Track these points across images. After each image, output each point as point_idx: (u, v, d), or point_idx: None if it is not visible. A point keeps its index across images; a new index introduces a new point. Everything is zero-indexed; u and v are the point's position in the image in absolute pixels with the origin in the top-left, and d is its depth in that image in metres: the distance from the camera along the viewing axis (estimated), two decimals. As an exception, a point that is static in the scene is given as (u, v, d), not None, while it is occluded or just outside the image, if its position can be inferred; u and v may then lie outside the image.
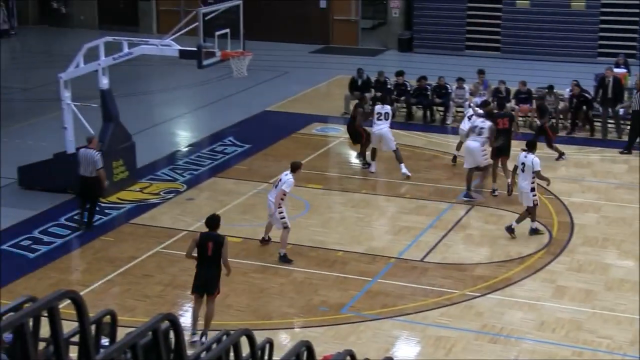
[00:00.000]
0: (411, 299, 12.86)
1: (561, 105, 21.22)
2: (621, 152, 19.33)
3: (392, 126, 19.24)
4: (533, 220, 14.89)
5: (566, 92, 21.46)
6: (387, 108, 18.13)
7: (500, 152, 16.88)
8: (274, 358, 8.12)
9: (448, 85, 22.19)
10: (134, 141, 17.69)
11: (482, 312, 12.45)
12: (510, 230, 14.86)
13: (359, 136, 18.47)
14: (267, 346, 7.98)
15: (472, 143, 16.67)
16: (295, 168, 14.09)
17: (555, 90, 21.33)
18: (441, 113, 22.41)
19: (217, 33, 16.64)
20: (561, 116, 21.28)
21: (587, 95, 20.91)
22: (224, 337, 6.67)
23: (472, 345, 11.54)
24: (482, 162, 16.65)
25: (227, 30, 16.93)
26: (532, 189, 14.61)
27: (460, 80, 22.15)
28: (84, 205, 15.51)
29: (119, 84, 20.95)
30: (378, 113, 17.97)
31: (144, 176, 18.06)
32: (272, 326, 12.02)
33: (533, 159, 14.56)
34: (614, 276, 13.52)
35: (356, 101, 22.96)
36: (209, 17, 16.47)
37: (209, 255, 11.27)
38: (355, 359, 7.65)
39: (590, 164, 18.91)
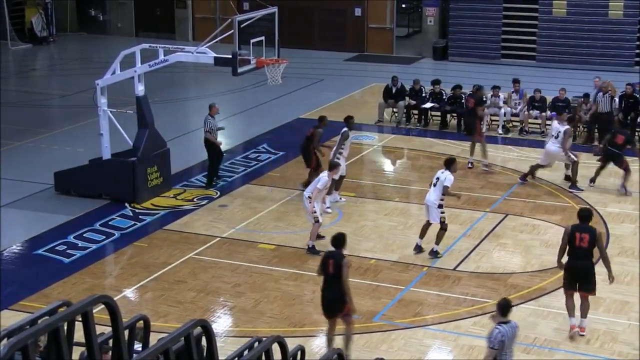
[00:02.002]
0: (444, 308, 12.80)
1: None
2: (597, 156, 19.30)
3: (426, 134, 19.27)
4: (437, 242, 14.35)
5: (597, 95, 21.19)
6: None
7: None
8: (305, 365, 8.13)
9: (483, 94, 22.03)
10: (169, 147, 17.81)
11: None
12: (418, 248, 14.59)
13: (310, 160, 17.11)
14: (299, 353, 7.99)
15: (552, 147, 17.51)
16: (332, 167, 14.87)
17: (591, 100, 21.16)
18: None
19: (252, 40, 16.71)
20: (596, 125, 21.05)
21: (637, 96, 20.81)
22: (256, 344, 6.68)
23: (505, 356, 11.44)
24: (566, 160, 17.58)
25: (262, 37, 16.99)
26: (440, 206, 14.12)
27: (495, 89, 22.04)
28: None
29: (155, 90, 21.13)
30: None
31: (178, 182, 18.18)
32: (304, 333, 12.02)
33: (447, 176, 14.07)
34: (649, 287, 13.36)
35: (391, 109, 23.04)
36: (244, 24, 16.54)
37: (330, 274, 10.85)
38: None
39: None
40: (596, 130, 20.61)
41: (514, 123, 22.16)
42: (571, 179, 17.69)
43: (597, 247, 11.34)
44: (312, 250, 14.48)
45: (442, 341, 11.91)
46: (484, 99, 20.61)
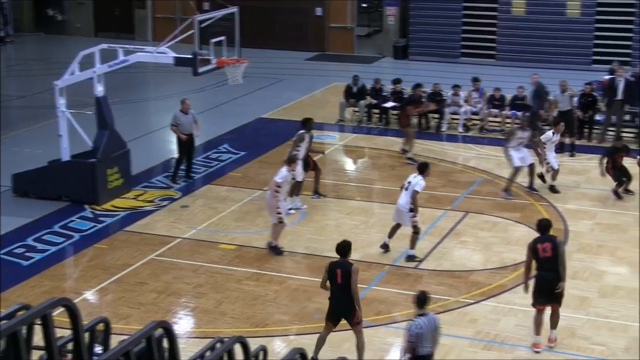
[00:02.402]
0: (405, 306, 12.84)
1: (555, 112, 21.27)
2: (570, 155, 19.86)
3: (387, 133, 19.42)
4: (412, 247, 14.23)
5: (557, 94, 21.48)
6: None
7: None
8: (267, 365, 8.13)
9: (443, 92, 22.26)
10: (129, 148, 17.70)
11: (476, 318, 12.46)
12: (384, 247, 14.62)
13: (307, 164, 16.82)
14: (261, 353, 7.99)
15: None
16: (290, 161, 14.73)
17: (550, 97, 21.40)
18: (436, 120, 22.46)
19: (213, 40, 16.68)
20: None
21: (595, 94, 21.08)
22: (218, 345, 6.67)
23: (466, 352, 11.55)
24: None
25: (223, 37, 16.96)
26: (411, 210, 13.99)
27: (456, 87, 22.23)
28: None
29: (115, 91, 20.96)
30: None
31: (139, 183, 18.07)
32: (266, 333, 12.02)
33: (419, 181, 13.94)
34: (608, 283, 13.55)
35: (352, 108, 23.12)
36: (204, 24, 16.50)
37: (339, 283, 10.74)
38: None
39: (586, 171, 18.93)
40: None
41: (474, 121, 22.35)
42: (542, 179, 17.71)
43: (558, 256, 11.11)
44: (274, 249, 14.37)
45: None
46: (422, 99, 21.04)
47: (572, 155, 19.75)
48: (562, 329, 11.90)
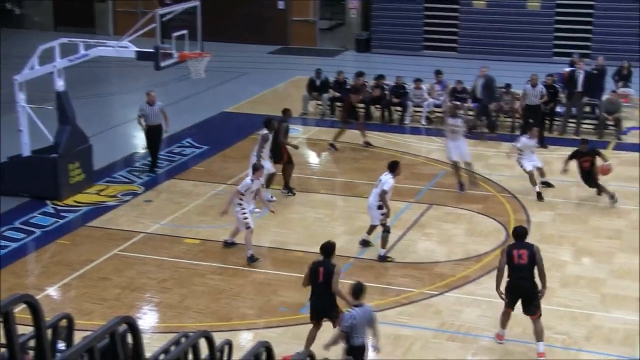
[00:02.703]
0: (370, 299, 12.80)
1: (517, 104, 21.47)
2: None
3: (351, 126, 19.52)
4: (383, 246, 14.10)
5: (527, 87, 21.64)
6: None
7: None
8: (233, 359, 8.12)
9: (406, 85, 22.35)
10: (91, 143, 17.55)
11: (440, 310, 12.55)
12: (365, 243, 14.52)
13: (280, 155, 16.79)
14: (226, 347, 7.97)
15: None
16: (255, 170, 14.30)
17: (512, 90, 21.59)
18: (399, 113, 22.55)
19: (175, 34, 16.59)
20: (517, 115, 21.52)
21: (557, 86, 21.25)
22: (183, 339, 6.65)
23: (431, 344, 11.63)
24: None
25: (185, 31, 16.87)
26: (380, 207, 13.88)
27: (418, 81, 22.34)
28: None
29: (75, 86, 20.76)
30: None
31: (101, 178, 17.94)
32: (231, 327, 12.00)
33: (388, 180, 13.84)
34: (569, 273, 13.71)
35: (315, 101, 23.13)
36: (166, 18, 16.41)
37: (320, 282, 10.74)
38: None
39: (547, 163, 19.08)
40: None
41: (437, 114, 22.47)
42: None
43: (535, 261, 10.93)
44: (251, 259, 13.90)
45: (369, 331, 12.01)
46: (361, 88, 21.15)
47: (544, 147, 19.79)
48: (525, 319, 12.00)
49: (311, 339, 10.98)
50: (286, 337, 11.72)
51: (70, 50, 16.94)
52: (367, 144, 20.00)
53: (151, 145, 18.55)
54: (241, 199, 13.91)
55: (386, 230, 14.04)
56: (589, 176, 16.57)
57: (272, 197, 16.64)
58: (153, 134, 18.47)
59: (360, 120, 20.53)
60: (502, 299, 11.23)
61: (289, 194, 16.95)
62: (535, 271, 11.01)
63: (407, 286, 13.28)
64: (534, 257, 10.96)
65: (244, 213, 13.90)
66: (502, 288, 11.22)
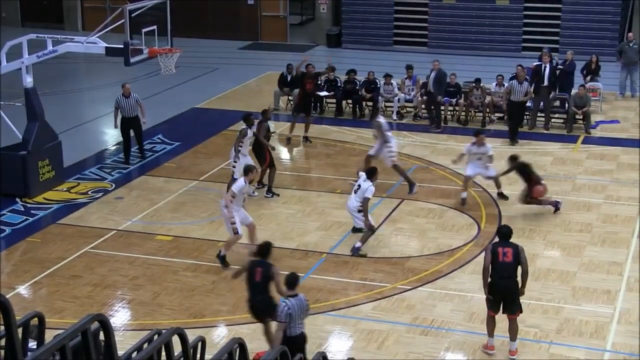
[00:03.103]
0: (343, 294, 12.94)
1: (487, 99, 21.59)
2: (511, 145, 19.75)
3: (322, 122, 19.45)
4: (362, 242, 14.07)
5: (492, 86, 21.84)
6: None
7: None
8: (206, 356, 8.10)
9: (377, 80, 22.37)
10: (60, 140, 17.41)
11: (413, 304, 12.59)
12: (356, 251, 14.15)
13: (263, 157, 16.69)
14: (200, 344, 7.95)
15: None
16: (247, 171, 13.98)
17: (482, 85, 21.70)
18: (370, 108, 22.56)
19: (144, 30, 16.48)
20: (488, 110, 21.64)
21: (527, 78, 21.35)
22: (156, 337, 6.62)
23: (404, 338, 11.67)
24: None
25: (155, 27, 16.77)
26: (360, 211, 13.95)
27: (388, 76, 22.38)
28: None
29: (44, 82, 20.59)
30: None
31: (72, 175, 17.81)
32: (204, 324, 11.98)
33: (369, 187, 13.83)
34: (540, 266, 13.80)
35: (286, 97, 23.10)
36: (135, 13, 16.28)
37: (257, 282, 10.77)
38: (287, 356, 7.67)
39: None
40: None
41: (408, 109, 22.53)
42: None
43: (520, 261, 10.89)
44: (222, 259, 13.72)
45: (343, 326, 12.04)
46: (316, 78, 21.19)
47: (515, 143, 19.86)
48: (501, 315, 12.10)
49: (269, 334, 10.90)
50: (259, 333, 11.66)
51: (39, 46, 16.77)
52: (306, 139, 20.12)
53: (128, 138, 18.66)
54: (231, 201, 13.51)
55: (371, 230, 14.08)
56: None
57: (254, 192, 16.63)
58: (131, 126, 18.56)
59: (309, 114, 20.48)
60: (488, 300, 11.03)
61: (272, 196, 16.75)
62: (518, 271, 10.96)
63: (380, 281, 13.31)
64: (519, 256, 10.92)
65: (233, 218, 13.52)
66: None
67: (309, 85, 20.29)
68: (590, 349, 11.44)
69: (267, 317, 10.91)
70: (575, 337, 11.71)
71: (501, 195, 16.56)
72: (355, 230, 14.63)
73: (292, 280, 10.02)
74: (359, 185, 14.02)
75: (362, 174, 14.34)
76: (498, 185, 16.52)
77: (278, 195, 16.77)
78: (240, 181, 13.78)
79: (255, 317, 11.08)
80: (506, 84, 21.02)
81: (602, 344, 11.56)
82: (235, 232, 13.60)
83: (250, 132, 16.41)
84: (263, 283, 10.75)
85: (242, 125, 16.55)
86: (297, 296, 9.90)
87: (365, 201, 13.86)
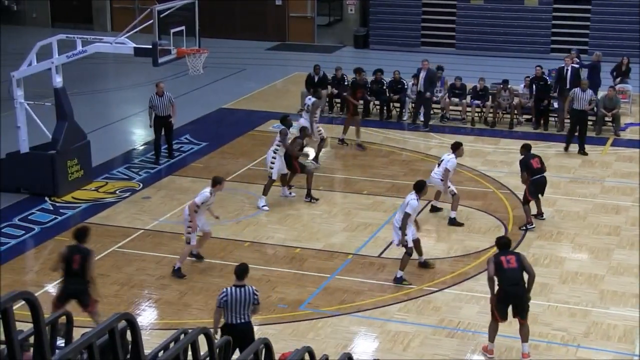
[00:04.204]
0: (369, 295, 12.92)
1: (515, 100, 21.48)
2: (565, 149, 19.43)
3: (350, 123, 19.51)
4: (401, 268, 13.21)
5: (520, 87, 21.72)
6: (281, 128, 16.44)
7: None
8: (231, 356, 8.12)
9: (404, 81, 22.29)
10: (89, 140, 17.53)
11: (439, 306, 12.55)
12: (399, 281, 13.28)
13: (291, 165, 16.49)
14: (225, 344, 7.97)
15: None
16: (215, 183, 13.63)
17: (510, 86, 21.59)
18: (397, 109, 22.53)
19: (173, 30, 16.55)
20: (515, 111, 21.53)
21: (547, 78, 21.22)
22: (182, 336, 6.64)
23: (430, 340, 11.63)
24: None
25: (183, 27, 16.84)
26: (401, 227, 13.08)
27: (416, 76, 22.28)
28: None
29: (73, 82, 20.75)
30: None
31: (100, 175, 17.92)
32: (230, 324, 11.98)
33: (410, 200, 13.04)
34: (568, 269, 13.71)
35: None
36: (164, 14, 16.35)
37: (76, 269, 10.94)
38: (313, 356, 7.68)
39: (545, 158, 19.08)
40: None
41: (435, 110, 22.46)
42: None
43: (524, 267, 10.84)
44: (177, 272, 13.44)
45: (369, 328, 12.03)
46: (366, 83, 21.31)
47: (584, 154, 19.37)
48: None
49: (57, 307, 10.60)
50: (285, 333, 11.72)
51: (68, 47, 16.91)
52: (360, 147, 19.93)
53: (160, 137, 18.76)
54: (195, 211, 13.39)
55: (408, 253, 13.13)
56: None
57: (291, 193, 16.71)
58: (163, 125, 18.66)
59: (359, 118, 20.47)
60: (496, 309, 10.94)
61: (311, 200, 16.48)
62: (525, 276, 10.88)
63: (406, 282, 13.25)
64: (522, 262, 10.87)
65: (189, 227, 13.43)
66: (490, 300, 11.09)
67: (359, 93, 20.17)
68: (619, 353, 11.34)
69: (71, 300, 10.97)
70: (603, 340, 11.62)
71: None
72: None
73: (240, 271, 10.17)
74: (405, 199, 13.21)
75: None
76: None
77: (317, 199, 16.53)
78: (206, 192, 13.47)
79: (61, 301, 10.95)
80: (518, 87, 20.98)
81: (630, 348, 11.45)
82: (188, 242, 13.49)
83: (289, 133, 16.52)
84: (81, 269, 10.93)
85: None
86: (243, 287, 10.02)
87: (405, 217, 12.98)
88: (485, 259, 13.95)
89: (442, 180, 15.30)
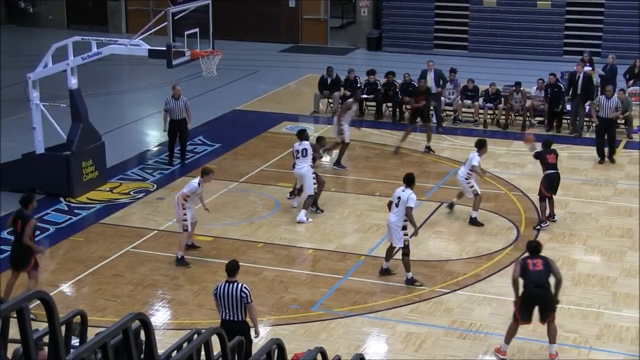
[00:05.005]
0: (381, 296, 12.96)
1: (528, 102, 21.46)
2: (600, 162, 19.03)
3: (362, 124, 19.43)
4: (408, 270, 13.23)
5: (533, 89, 21.71)
6: (306, 144, 15.98)
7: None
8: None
9: (415, 83, 22.27)
10: (104, 141, 17.65)
11: (451, 308, 12.58)
12: (385, 271, 13.58)
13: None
14: (238, 345, 8.02)
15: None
16: (203, 174, 14.10)
17: (522, 88, 21.57)
18: (409, 111, 22.50)
19: (187, 32, 16.63)
20: (528, 113, 21.51)
21: (561, 85, 21.19)
22: (195, 336, 6.69)
23: (442, 341, 11.66)
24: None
25: (197, 29, 16.92)
26: (404, 227, 13.08)
27: (423, 78, 22.26)
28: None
29: (88, 83, 20.87)
30: (296, 150, 15.98)
31: (114, 176, 18.03)
32: (243, 325, 12.03)
33: (410, 195, 13.02)
34: (580, 271, 13.71)
35: (326, 99, 23.16)
36: (178, 16, 16.44)
37: (18, 233, 12.22)
38: (326, 357, 7.72)
39: (558, 161, 19.07)
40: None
41: (448, 112, 22.46)
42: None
43: (551, 270, 10.85)
44: (181, 261, 13.90)
45: (381, 329, 12.07)
46: (428, 90, 20.97)
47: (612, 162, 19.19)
48: (535, 317, 12.03)
49: (11, 286, 12.34)
50: (298, 334, 11.78)
51: (83, 48, 17.02)
52: (428, 149, 19.76)
53: (174, 140, 18.82)
54: (185, 201, 13.86)
55: (406, 253, 13.12)
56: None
57: (293, 199, 16.50)
58: (178, 129, 18.70)
59: (428, 123, 20.29)
60: (519, 311, 10.91)
61: (317, 210, 16.28)
62: (552, 280, 10.89)
63: (418, 284, 13.27)
64: (549, 266, 10.87)
65: (185, 216, 13.90)
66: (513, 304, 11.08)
67: (420, 100, 20.00)
68: (631, 356, 11.34)
69: (20, 268, 12.33)
70: (616, 343, 11.62)
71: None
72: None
73: (230, 268, 10.41)
74: (399, 197, 13.11)
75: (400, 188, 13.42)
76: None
77: (322, 211, 16.31)
78: (194, 183, 13.95)
79: (11, 267, 12.46)
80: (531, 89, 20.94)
81: (642, 350, 11.45)
82: (185, 229, 13.96)
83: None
84: (22, 233, 12.14)
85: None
86: (234, 284, 10.21)
87: (409, 211, 12.97)
88: (498, 261, 14.04)
89: (466, 179, 15.43)
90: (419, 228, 15.15)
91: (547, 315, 10.97)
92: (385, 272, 13.55)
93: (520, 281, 10.91)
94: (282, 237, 15.08)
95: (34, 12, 36.00)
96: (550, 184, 15.34)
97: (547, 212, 15.44)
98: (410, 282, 13.24)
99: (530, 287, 10.84)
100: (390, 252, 13.53)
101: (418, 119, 20.14)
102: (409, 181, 13.32)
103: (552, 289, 10.89)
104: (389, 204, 13.38)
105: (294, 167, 16.07)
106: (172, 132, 18.77)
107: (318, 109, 23.16)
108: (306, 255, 14.40)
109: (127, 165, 18.89)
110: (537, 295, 10.85)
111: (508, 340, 11.20)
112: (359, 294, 13.00)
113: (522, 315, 10.98)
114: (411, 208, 12.99)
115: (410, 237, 13.19)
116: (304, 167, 15.79)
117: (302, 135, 16.28)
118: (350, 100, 18.81)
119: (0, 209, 15.50)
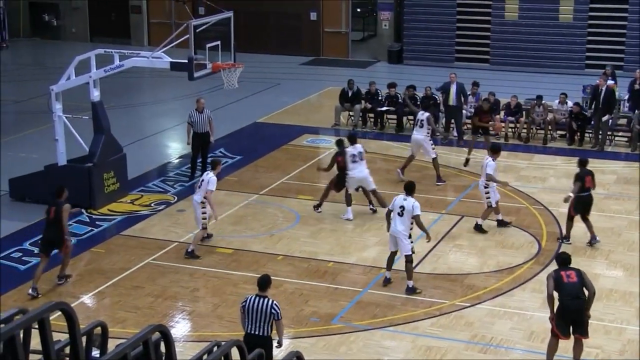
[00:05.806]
0: (401, 310, 12.92)
1: (549, 116, 21.37)
2: None
3: (382, 137, 19.36)
4: (410, 277, 13.33)
5: (555, 103, 21.62)
6: (359, 147, 16.51)
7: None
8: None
9: (436, 96, 22.23)
10: (125, 153, 17.74)
11: (472, 322, 12.51)
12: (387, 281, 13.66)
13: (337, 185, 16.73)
14: (258, 357, 8.01)
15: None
16: (215, 165, 15.24)
17: (543, 102, 21.49)
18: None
19: (208, 45, 16.71)
20: (550, 127, 21.42)
21: (586, 113, 21.05)
22: (215, 348, 6.70)
23: (462, 355, 11.60)
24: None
25: (218, 42, 17.00)
26: (410, 236, 13.23)
27: (445, 91, 22.22)
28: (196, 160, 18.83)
29: (110, 96, 20.99)
30: (352, 155, 16.36)
31: (135, 188, 18.11)
32: (262, 337, 12.02)
33: (413, 203, 13.14)
34: (602, 286, 13.57)
35: (347, 112, 23.17)
36: (200, 29, 16.54)
37: (51, 218, 13.33)
38: None
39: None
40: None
41: (468, 126, 22.39)
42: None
43: (585, 282, 10.73)
44: (191, 254, 14.63)
45: (400, 342, 12.02)
46: (493, 106, 20.71)
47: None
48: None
49: (40, 270, 13.28)
50: (318, 347, 11.75)
51: (106, 61, 17.14)
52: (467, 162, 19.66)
53: (197, 153, 18.83)
54: (206, 199, 14.61)
55: (409, 261, 13.27)
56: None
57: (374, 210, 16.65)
58: (201, 142, 18.69)
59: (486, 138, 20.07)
60: (557, 326, 10.77)
61: (317, 209, 16.72)
62: (585, 292, 10.75)
63: (438, 297, 13.25)
64: (583, 277, 10.75)
65: (205, 213, 14.67)
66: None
67: (485, 118, 19.81)
68: (653, 372, 11.23)
69: (52, 250, 13.41)
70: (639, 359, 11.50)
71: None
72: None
73: (262, 282, 10.37)
74: (402, 207, 13.16)
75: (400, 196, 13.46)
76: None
77: (320, 212, 16.65)
78: (213, 178, 14.71)
79: (41, 250, 13.49)
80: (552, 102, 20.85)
81: (665, 366, 11.33)
82: (204, 227, 14.69)
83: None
84: (55, 220, 13.23)
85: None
86: (264, 298, 10.15)
87: (417, 219, 13.19)
88: (519, 275, 13.95)
89: (485, 187, 15.48)
90: (440, 241, 15.16)
91: (582, 331, 10.79)
92: (389, 282, 13.63)
93: (555, 294, 10.76)
94: (301, 250, 15.07)
95: (57, 25, 36.35)
96: (579, 205, 15.12)
97: (568, 231, 15.29)
98: (411, 290, 13.29)
99: (567, 299, 10.67)
100: (391, 260, 13.63)
101: (480, 132, 20.15)
102: (410, 189, 13.46)
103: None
104: (388, 214, 13.45)
105: (345, 170, 16.36)
106: (195, 145, 18.79)
107: (339, 122, 23.18)
108: (326, 267, 14.38)
109: (148, 177, 18.98)
110: (574, 307, 10.68)
111: (550, 358, 11.01)
112: (379, 307, 12.96)
113: (560, 329, 10.78)
114: (418, 215, 13.19)
115: (427, 242, 13.80)
116: (363, 169, 16.38)
117: (352, 139, 16.72)
118: (431, 115, 18.55)
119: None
